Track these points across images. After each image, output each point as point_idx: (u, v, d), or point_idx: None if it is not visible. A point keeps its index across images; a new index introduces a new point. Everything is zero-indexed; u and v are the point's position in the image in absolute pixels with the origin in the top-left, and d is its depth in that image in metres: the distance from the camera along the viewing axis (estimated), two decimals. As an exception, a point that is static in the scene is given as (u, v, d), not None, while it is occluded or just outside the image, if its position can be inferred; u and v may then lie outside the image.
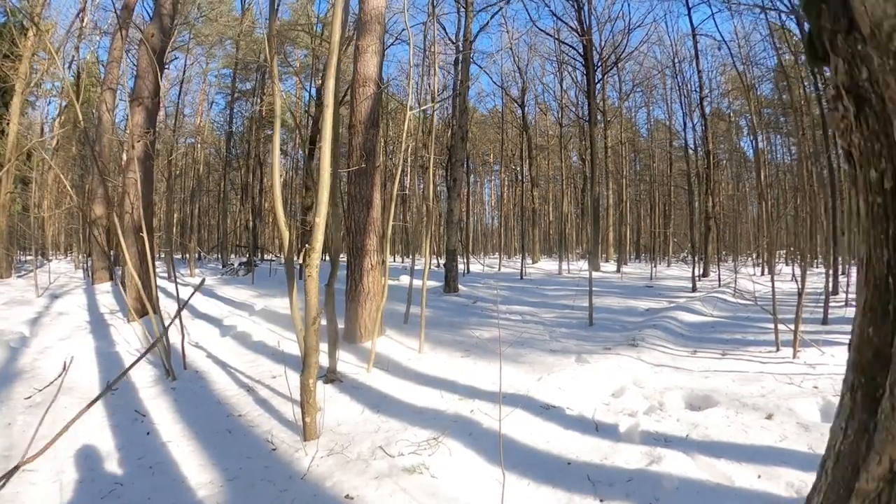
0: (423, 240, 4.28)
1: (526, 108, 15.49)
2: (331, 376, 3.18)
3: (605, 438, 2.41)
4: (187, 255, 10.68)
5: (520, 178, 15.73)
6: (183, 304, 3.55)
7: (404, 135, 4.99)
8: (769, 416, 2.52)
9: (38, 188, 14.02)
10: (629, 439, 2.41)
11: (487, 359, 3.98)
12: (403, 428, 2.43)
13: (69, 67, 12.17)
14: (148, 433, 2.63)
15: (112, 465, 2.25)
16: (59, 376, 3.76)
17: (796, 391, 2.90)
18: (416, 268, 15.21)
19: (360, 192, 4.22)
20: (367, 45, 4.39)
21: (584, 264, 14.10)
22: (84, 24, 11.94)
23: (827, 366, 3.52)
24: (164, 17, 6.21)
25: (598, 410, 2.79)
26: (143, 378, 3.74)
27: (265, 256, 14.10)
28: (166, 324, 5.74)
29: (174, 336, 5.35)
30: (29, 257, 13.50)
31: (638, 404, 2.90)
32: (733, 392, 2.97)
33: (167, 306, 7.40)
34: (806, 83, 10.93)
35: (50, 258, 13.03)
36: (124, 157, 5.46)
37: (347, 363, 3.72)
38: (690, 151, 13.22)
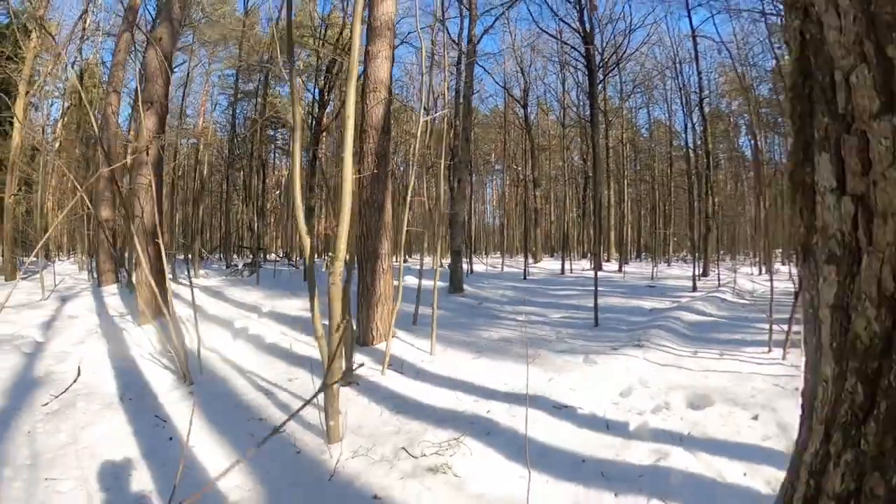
0: (434, 240, 4.38)
1: (528, 109, 15.56)
2: (348, 378, 3.25)
3: (616, 436, 2.52)
4: (190, 256, 10.71)
5: (522, 177, 15.78)
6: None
7: (418, 140, 5.05)
8: (755, 417, 2.69)
9: (41, 190, 14.02)
10: (639, 437, 2.52)
11: (498, 359, 4.05)
12: (423, 429, 2.50)
13: (73, 68, 12.17)
14: (170, 438, 2.62)
15: (139, 473, 2.22)
16: (74, 381, 3.62)
17: (780, 392, 3.08)
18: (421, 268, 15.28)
19: (373, 196, 4.28)
20: (378, 50, 4.45)
21: (585, 264, 14.19)
22: (87, 25, 11.95)
23: (812, 367, 3.68)
24: (174, 21, 6.25)
25: (608, 409, 2.89)
26: (160, 383, 3.71)
27: (267, 257, 14.16)
28: (181, 326, 5.83)
29: (187, 340, 5.44)
30: (33, 259, 13.51)
31: (645, 403, 3.02)
32: (729, 392, 3.14)
33: (179, 308, 7.47)
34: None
35: (53, 259, 13.05)
36: (128, 159, 5.51)
37: (362, 365, 3.79)
38: (690, 151, 13.30)
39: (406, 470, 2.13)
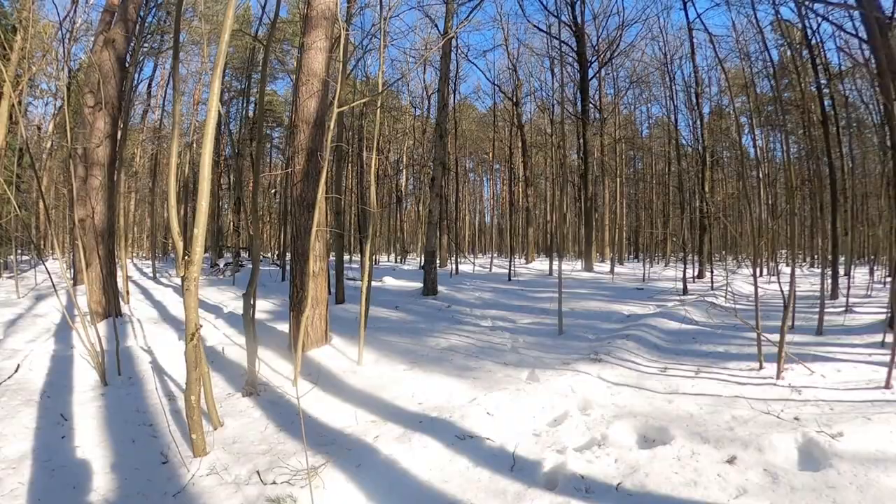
0: (367, 242, 4.18)
1: (520, 106, 15.20)
2: (248, 389, 3.05)
3: (516, 480, 2.09)
4: (173, 256, 10.70)
5: (514, 176, 15.44)
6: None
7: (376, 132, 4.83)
8: (731, 460, 2.13)
9: (33, 189, 14.24)
10: (547, 484, 2.09)
11: (432, 372, 3.76)
12: (294, 451, 2.27)
13: (62, 69, 12.28)
14: (63, 437, 2.64)
15: (22, 466, 2.28)
16: (9, 378, 3.83)
17: (773, 423, 2.50)
18: (405, 267, 15.11)
19: (304, 194, 4.07)
20: (313, 40, 4.24)
21: (577, 264, 13.80)
22: (76, 25, 12.04)
23: (815, 389, 3.07)
24: (129, 22, 6.16)
25: (523, 443, 2.45)
26: (82, 382, 3.72)
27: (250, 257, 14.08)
28: (125, 327, 5.73)
29: (131, 340, 5.33)
30: (25, 257, 13.73)
31: (576, 437, 2.54)
32: (697, 422, 2.60)
33: (141, 307, 7.41)
34: (809, 80, 10.44)
35: (45, 258, 13.23)
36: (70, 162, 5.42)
37: (279, 374, 3.59)
38: (685, 148, 12.80)
39: (249, 496, 1.92)
